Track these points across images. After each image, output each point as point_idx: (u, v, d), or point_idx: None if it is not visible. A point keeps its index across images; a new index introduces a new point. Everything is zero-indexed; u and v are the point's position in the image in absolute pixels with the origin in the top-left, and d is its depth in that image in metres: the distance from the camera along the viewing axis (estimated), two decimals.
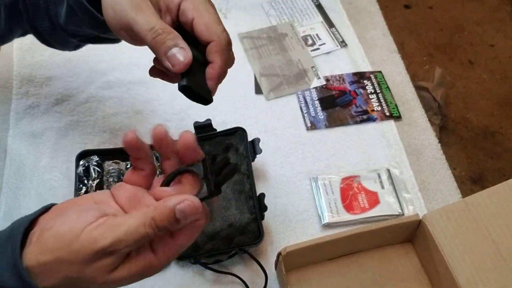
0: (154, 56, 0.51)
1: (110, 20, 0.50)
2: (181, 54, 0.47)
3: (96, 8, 0.54)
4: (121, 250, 0.39)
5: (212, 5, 0.51)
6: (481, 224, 0.62)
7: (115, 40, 0.61)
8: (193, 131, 0.78)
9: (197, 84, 0.49)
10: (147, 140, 0.82)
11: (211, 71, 0.50)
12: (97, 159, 0.76)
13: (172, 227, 0.40)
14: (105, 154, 0.78)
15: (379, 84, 0.91)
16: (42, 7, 0.60)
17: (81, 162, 0.76)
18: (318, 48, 0.96)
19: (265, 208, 0.70)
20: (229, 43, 0.51)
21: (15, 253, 0.39)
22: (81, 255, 0.38)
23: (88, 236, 0.38)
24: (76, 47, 0.67)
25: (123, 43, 0.92)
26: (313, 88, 0.90)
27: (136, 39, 0.50)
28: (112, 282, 0.39)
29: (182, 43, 0.47)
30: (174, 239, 0.42)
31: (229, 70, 0.92)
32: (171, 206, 0.40)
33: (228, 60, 0.51)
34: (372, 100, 0.89)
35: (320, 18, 1.01)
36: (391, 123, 0.87)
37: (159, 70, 0.55)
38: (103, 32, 0.56)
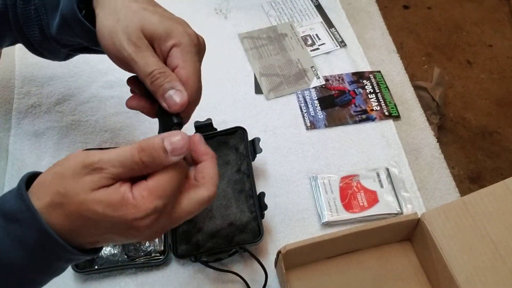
0: (131, 82, 0.56)
1: (108, 49, 0.52)
2: (177, 96, 0.50)
3: (90, 18, 0.54)
4: (106, 170, 0.40)
5: (200, 52, 0.54)
6: (479, 223, 0.63)
7: None
8: (194, 130, 0.79)
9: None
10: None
11: (186, 112, 0.53)
12: None
13: (160, 160, 0.41)
14: None
15: (378, 84, 0.92)
16: (33, 17, 0.59)
17: None
18: (317, 48, 0.96)
19: (265, 207, 0.70)
20: (196, 102, 0.54)
21: (21, 182, 0.43)
22: (71, 168, 0.41)
23: (81, 153, 0.41)
24: (67, 56, 0.67)
25: None
26: (313, 88, 0.91)
27: (133, 71, 0.52)
28: (90, 202, 0.40)
29: (179, 85, 0.50)
30: (151, 181, 0.42)
31: (229, 70, 0.93)
32: (160, 137, 0.42)
33: (190, 114, 0.54)
34: (371, 100, 0.89)
35: (319, 18, 1.02)
36: (390, 122, 0.87)
37: (138, 102, 0.57)
38: (95, 44, 0.56)
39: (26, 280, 0.43)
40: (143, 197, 0.40)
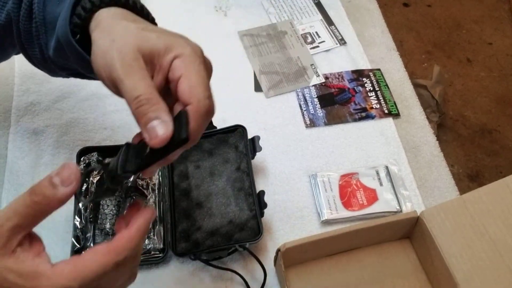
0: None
1: (98, 68, 0.47)
2: (161, 128, 0.42)
3: (86, 46, 0.50)
4: (3, 226, 0.40)
5: (206, 67, 0.48)
6: (478, 221, 0.63)
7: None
8: None
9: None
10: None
11: (194, 135, 0.45)
12: (98, 156, 0.77)
13: (49, 194, 0.41)
14: (105, 151, 0.78)
15: (377, 82, 0.92)
16: (33, 34, 0.56)
17: (82, 159, 0.76)
18: (317, 46, 0.96)
19: (265, 205, 0.70)
20: (208, 112, 0.45)
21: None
22: None
23: None
24: (68, 75, 0.62)
25: None
26: (312, 85, 0.91)
27: (120, 95, 0.45)
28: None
29: (165, 116, 0.42)
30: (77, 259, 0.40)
31: (229, 67, 0.93)
32: (48, 175, 0.42)
33: (201, 129, 0.45)
34: (371, 98, 0.89)
35: (319, 16, 1.02)
36: (390, 120, 0.87)
37: None
38: (89, 71, 0.51)
39: None
40: (61, 271, 0.39)
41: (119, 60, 0.44)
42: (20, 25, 0.56)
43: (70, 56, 0.52)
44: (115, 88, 0.45)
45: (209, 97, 0.46)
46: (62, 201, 0.41)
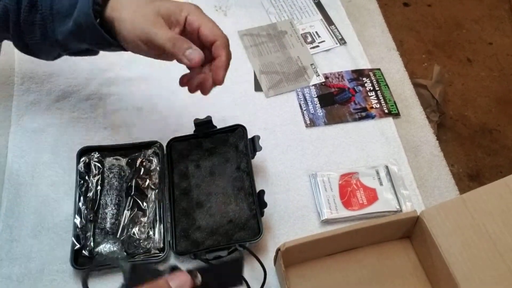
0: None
1: (127, 34, 0.60)
2: (195, 52, 0.60)
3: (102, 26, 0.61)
4: None
5: (208, 17, 0.64)
6: (478, 221, 0.63)
7: (97, 52, 0.71)
8: (194, 127, 0.79)
9: None
10: (149, 136, 0.83)
11: (219, 63, 0.62)
12: (98, 155, 0.77)
13: None
14: (106, 151, 0.78)
15: (378, 82, 0.92)
16: (37, 24, 0.64)
17: (82, 159, 0.76)
18: (317, 46, 0.96)
19: (265, 204, 0.70)
20: (228, 41, 0.63)
21: None
22: None
23: None
24: (57, 57, 0.73)
25: None
26: (312, 85, 0.91)
27: (152, 47, 0.60)
28: None
29: (195, 46, 0.60)
30: None
31: (229, 67, 0.93)
32: (164, 278, 0.49)
33: (229, 54, 0.63)
34: (371, 98, 0.89)
35: (319, 15, 1.02)
36: (390, 120, 0.87)
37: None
38: (102, 47, 0.66)
39: None
40: None
41: (146, 21, 0.59)
42: (21, 16, 0.64)
43: (89, 37, 0.62)
44: (148, 44, 0.59)
45: (223, 32, 0.63)
46: None
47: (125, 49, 0.65)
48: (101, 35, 0.61)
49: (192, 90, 0.65)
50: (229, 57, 0.63)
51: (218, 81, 0.63)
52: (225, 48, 0.62)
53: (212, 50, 0.62)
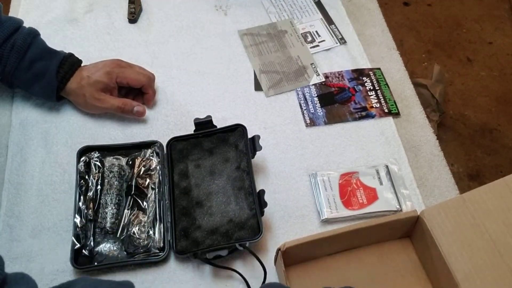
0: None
1: (84, 106, 0.83)
2: (140, 108, 0.84)
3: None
4: None
5: (130, 67, 0.85)
6: (478, 220, 0.63)
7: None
8: (194, 127, 0.79)
9: None
10: (149, 136, 0.83)
11: (148, 97, 0.86)
12: (98, 155, 0.77)
13: None
14: (106, 150, 0.79)
15: (378, 81, 0.92)
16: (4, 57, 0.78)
17: (82, 158, 0.76)
18: (317, 45, 0.96)
19: (265, 204, 0.70)
20: (151, 80, 0.86)
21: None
22: None
23: None
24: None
25: (128, 38, 0.93)
26: (312, 84, 0.91)
27: (105, 111, 0.84)
28: None
29: (136, 103, 0.83)
30: None
31: (229, 67, 0.93)
32: None
33: (154, 90, 0.87)
34: (371, 97, 0.89)
35: (319, 15, 1.01)
36: (390, 119, 0.87)
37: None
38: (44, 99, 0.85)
39: None
40: None
41: (95, 101, 0.81)
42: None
43: (40, 92, 0.82)
44: (100, 111, 0.84)
45: (146, 74, 0.86)
46: None
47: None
48: (52, 97, 0.82)
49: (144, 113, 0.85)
50: (154, 92, 0.87)
51: (149, 107, 0.86)
52: (150, 88, 0.86)
53: (141, 89, 0.86)
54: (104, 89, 0.81)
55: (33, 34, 0.80)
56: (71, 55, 0.83)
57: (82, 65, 0.84)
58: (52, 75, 0.79)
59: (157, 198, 0.74)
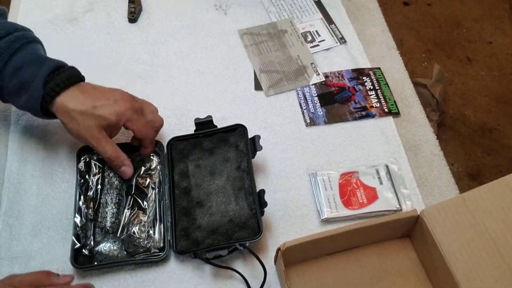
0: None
1: (74, 133, 0.71)
2: (128, 170, 0.74)
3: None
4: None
5: (142, 114, 0.74)
6: (478, 220, 0.63)
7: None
8: (194, 126, 0.79)
9: None
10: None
11: (145, 151, 0.77)
12: (98, 155, 0.77)
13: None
14: None
15: (378, 81, 0.92)
16: None
17: (82, 157, 0.76)
18: (317, 45, 0.96)
19: (265, 204, 0.70)
20: (154, 137, 0.77)
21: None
22: None
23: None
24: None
25: (128, 37, 0.93)
26: (313, 84, 0.91)
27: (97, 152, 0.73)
28: None
29: (127, 162, 0.74)
30: None
31: (229, 66, 0.93)
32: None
33: (153, 146, 0.78)
34: (371, 97, 0.89)
35: (319, 14, 1.01)
36: (390, 119, 0.87)
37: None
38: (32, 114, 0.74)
39: None
40: None
41: (89, 136, 0.70)
42: None
43: (31, 110, 0.72)
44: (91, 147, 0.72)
45: (153, 132, 0.76)
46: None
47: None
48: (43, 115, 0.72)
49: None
50: (153, 147, 0.77)
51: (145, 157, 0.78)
52: (151, 144, 0.76)
53: (141, 140, 0.76)
54: (106, 128, 0.71)
55: (27, 40, 0.72)
56: (72, 67, 0.73)
57: (86, 81, 0.74)
58: (39, 83, 0.68)
59: (157, 198, 0.74)
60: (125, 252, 0.71)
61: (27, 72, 0.69)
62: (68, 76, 0.70)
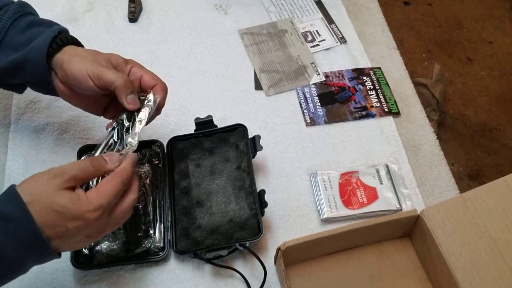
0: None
1: (77, 72, 0.65)
2: (136, 100, 0.67)
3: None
4: (67, 173, 0.55)
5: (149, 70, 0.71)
6: (478, 220, 0.63)
7: (23, 90, 0.76)
8: (194, 126, 0.79)
9: None
10: (149, 135, 0.83)
11: (160, 100, 0.69)
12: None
13: (102, 165, 0.59)
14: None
15: (378, 81, 0.92)
16: None
17: (82, 157, 0.76)
18: (317, 45, 0.96)
19: (265, 204, 0.70)
20: (166, 88, 0.71)
21: (12, 187, 0.54)
22: (43, 176, 0.55)
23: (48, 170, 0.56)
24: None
25: (128, 37, 0.93)
26: (313, 84, 0.91)
27: (100, 84, 0.65)
28: (57, 196, 0.53)
29: (135, 93, 0.67)
30: (99, 186, 0.57)
31: (229, 66, 0.93)
32: (101, 155, 0.63)
33: (165, 97, 0.71)
34: (371, 96, 0.89)
35: (320, 14, 1.01)
36: (390, 119, 0.87)
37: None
38: (35, 86, 0.72)
39: (15, 267, 0.54)
40: (93, 196, 0.55)
41: (99, 65, 0.65)
42: None
43: (30, 73, 0.68)
44: (94, 80, 0.64)
45: (161, 80, 0.71)
46: (107, 171, 0.60)
47: (56, 94, 0.71)
48: (44, 72, 0.67)
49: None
50: (165, 97, 0.71)
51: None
52: (163, 91, 0.70)
53: (152, 91, 0.69)
54: (115, 66, 0.68)
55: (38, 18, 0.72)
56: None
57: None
58: (47, 36, 0.66)
59: (157, 198, 0.74)
60: (125, 252, 0.70)
61: (37, 30, 0.69)
62: (73, 37, 0.71)
